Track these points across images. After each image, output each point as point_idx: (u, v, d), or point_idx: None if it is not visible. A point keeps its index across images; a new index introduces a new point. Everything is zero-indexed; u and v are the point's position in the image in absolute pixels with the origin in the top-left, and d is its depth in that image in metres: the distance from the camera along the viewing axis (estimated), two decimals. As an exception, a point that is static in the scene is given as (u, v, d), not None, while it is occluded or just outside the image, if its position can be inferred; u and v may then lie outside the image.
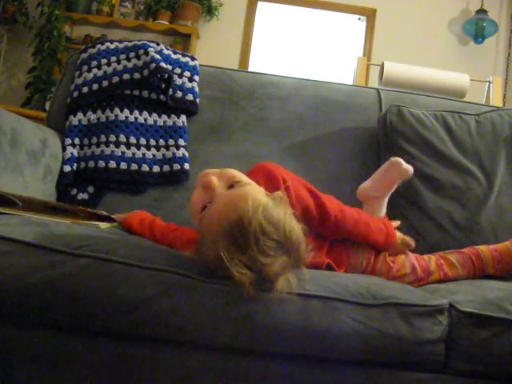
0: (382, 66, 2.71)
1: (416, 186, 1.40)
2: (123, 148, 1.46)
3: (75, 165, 1.47)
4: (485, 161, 1.44)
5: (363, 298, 0.85)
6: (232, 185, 0.87)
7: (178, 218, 1.32)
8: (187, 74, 1.57)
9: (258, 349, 0.84)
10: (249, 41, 4.10)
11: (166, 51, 1.59)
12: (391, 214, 1.44)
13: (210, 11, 3.99)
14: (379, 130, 1.52)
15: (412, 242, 1.14)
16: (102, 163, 1.45)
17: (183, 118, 1.52)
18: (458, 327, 0.87)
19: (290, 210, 0.81)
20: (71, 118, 1.51)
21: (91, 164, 1.46)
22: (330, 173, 1.52)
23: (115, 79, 1.52)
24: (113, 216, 1.20)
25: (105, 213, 1.15)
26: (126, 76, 1.52)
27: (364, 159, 1.54)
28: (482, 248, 1.19)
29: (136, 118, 1.50)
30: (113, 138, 1.46)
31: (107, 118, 1.50)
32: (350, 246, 1.09)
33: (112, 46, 1.60)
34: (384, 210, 1.32)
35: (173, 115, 1.52)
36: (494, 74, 3.94)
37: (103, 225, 1.07)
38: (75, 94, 1.53)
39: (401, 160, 1.25)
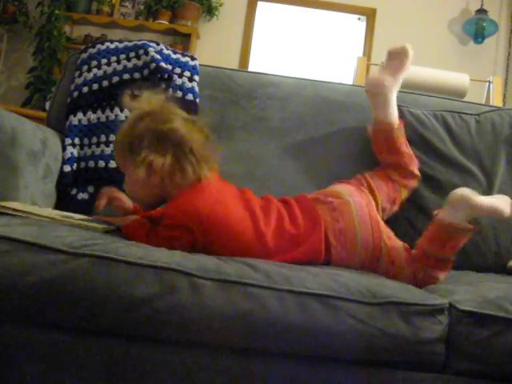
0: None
1: (416, 186, 1.40)
2: (123, 148, 1.46)
3: (75, 165, 1.46)
4: (485, 161, 1.44)
5: (363, 296, 0.85)
6: None
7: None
8: (187, 73, 1.57)
9: (257, 348, 0.84)
10: (249, 41, 4.10)
11: (165, 51, 1.59)
12: (391, 215, 1.44)
13: (210, 11, 3.99)
14: (379, 130, 1.52)
15: None
16: (102, 163, 1.45)
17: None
18: (458, 327, 0.87)
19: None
20: (71, 117, 1.51)
21: (91, 164, 1.46)
22: (329, 173, 1.51)
23: (115, 79, 1.52)
24: (108, 220, 1.18)
25: (103, 218, 1.14)
26: (126, 76, 1.52)
27: (364, 159, 1.54)
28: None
29: (136, 118, 1.50)
30: (113, 137, 1.46)
31: (107, 117, 1.50)
32: None
33: (112, 46, 1.60)
34: (393, 109, 1.30)
35: (173, 115, 1.52)
36: (494, 74, 3.94)
37: (103, 227, 1.07)
38: (75, 93, 1.53)
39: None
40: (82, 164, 1.47)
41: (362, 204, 1.15)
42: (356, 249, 1.10)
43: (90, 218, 1.14)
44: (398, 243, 1.14)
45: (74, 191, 1.45)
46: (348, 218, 1.11)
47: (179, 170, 1.05)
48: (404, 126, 1.39)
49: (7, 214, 0.99)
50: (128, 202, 1.22)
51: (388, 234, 1.15)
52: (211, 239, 1.02)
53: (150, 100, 1.11)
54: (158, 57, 1.53)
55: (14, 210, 1.00)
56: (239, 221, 1.05)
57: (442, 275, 1.08)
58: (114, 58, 1.56)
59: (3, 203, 1.02)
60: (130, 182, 1.12)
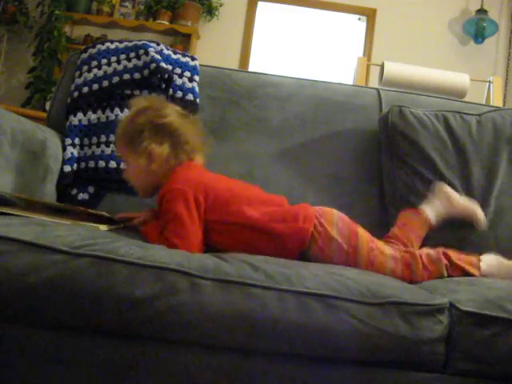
0: (382, 66, 2.71)
1: (416, 186, 1.40)
2: (123, 148, 1.46)
3: (75, 165, 1.47)
4: (486, 161, 1.44)
5: (363, 296, 0.85)
6: None
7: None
8: (187, 73, 1.57)
9: (257, 347, 0.84)
10: (249, 41, 4.10)
11: (166, 51, 1.59)
12: (391, 215, 1.44)
13: (210, 11, 3.99)
14: (380, 130, 1.52)
15: None
16: (102, 163, 1.45)
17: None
18: (459, 327, 0.87)
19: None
20: (71, 117, 1.51)
21: (91, 164, 1.46)
22: (329, 173, 1.52)
23: (115, 79, 1.52)
24: (117, 216, 1.20)
25: (106, 214, 1.15)
26: (127, 76, 1.52)
27: (364, 159, 1.54)
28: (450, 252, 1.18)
29: (136, 118, 1.50)
30: (113, 138, 1.46)
31: (107, 117, 1.50)
32: None
33: (112, 46, 1.60)
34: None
35: (173, 115, 1.52)
36: (494, 74, 3.95)
37: (103, 227, 1.07)
38: (75, 93, 1.53)
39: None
40: (82, 164, 1.47)
41: (344, 216, 1.17)
42: (333, 226, 1.11)
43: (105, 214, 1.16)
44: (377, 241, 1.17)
45: (74, 191, 1.45)
46: (328, 214, 1.15)
47: (174, 157, 1.19)
48: (404, 127, 1.41)
49: (7, 214, 0.99)
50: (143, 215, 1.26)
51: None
52: (209, 203, 1.10)
53: (147, 97, 1.26)
54: (159, 57, 1.53)
55: (19, 197, 1.01)
56: (229, 187, 1.16)
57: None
58: (114, 58, 1.56)
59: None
60: (131, 171, 1.23)
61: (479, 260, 1.17)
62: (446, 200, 1.34)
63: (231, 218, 1.10)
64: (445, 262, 1.13)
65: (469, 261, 1.16)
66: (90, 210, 1.13)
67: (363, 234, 1.14)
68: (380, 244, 1.15)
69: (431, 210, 1.33)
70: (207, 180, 1.16)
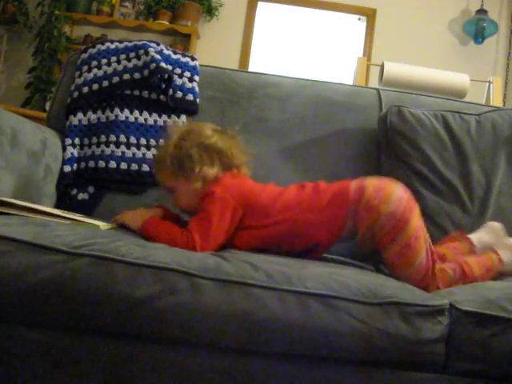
0: (382, 66, 2.71)
1: (416, 186, 1.40)
2: (123, 148, 1.46)
3: (75, 165, 1.46)
4: (485, 161, 1.44)
5: (364, 296, 0.85)
6: None
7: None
8: (187, 74, 1.57)
9: (257, 347, 0.84)
10: (249, 41, 4.10)
11: (166, 51, 1.59)
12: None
13: (210, 11, 3.99)
14: (379, 130, 1.52)
15: None
16: (102, 163, 1.45)
17: (183, 118, 1.52)
18: (459, 327, 0.87)
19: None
20: (71, 117, 1.51)
21: (91, 164, 1.46)
22: (329, 173, 1.52)
23: (115, 79, 1.52)
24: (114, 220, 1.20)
25: (101, 222, 1.14)
26: (126, 76, 1.52)
27: (364, 159, 1.54)
28: (469, 259, 1.18)
29: (136, 118, 1.50)
30: (113, 138, 1.46)
31: (107, 118, 1.50)
32: None
33: (112, 46, 1.60)
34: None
35: (173, 115, 1.52)
36: (494, 74, 3.95)
37: (104, 226, 1.07)
38: (75, 94, 1.53)
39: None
40: (82, 164, 1.47)
41: (407, 191, 1.13)
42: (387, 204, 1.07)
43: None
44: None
45: (74, 191, 1.45)
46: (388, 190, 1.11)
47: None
48: (403, 127, 1.40)
49: (7, 214, 0.99)
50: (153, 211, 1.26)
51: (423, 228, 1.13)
52: (247, 211, 1.13)
53: (183, 122, 1.28)
54: (159, 57, 1.53)
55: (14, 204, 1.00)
56: (270, 195, 1.17)
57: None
58: (114, 58, 1.56)
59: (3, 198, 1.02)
60: (183, 196, 1.21)
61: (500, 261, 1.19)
62: (495, 237, 1.31)
63: (268, 221, 1.12)
64: (462, 279, 1.12)
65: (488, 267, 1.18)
66: (84, 219, 1.10)
67: (414, 225, 1.09)
68: (427, 239, 1.11)
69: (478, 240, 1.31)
70: (250, 189, 1.18)
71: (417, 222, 1.09)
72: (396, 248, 1.07)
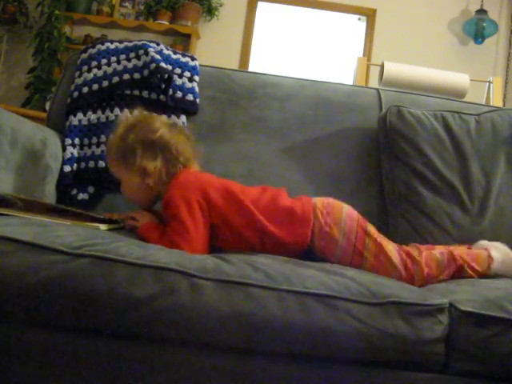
0: (382, 66, 2.71)
1: (416, 186, 1.40)
2: (123, 148, 1.46)
3: (75, 165, 1.47)
4: (485, 161, 1.44)
5: (363, 296, 0.85)
6: None
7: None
8: (187, 74, 1.57)
9: (257, 347, 0.84)
10: (249, 41, 4.10)
11: (166, 51, 1.60)
12: (391, 215, 1.44)
13: (210, 11, 3.99)
14: (379, 131, 1.52)
15: None
16: (102, 163, 1.45)
17: (183, 118, 1.52)
18: (459, 327, 0.87)
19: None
20: (71, 118, 1.51)
21: (91, 164, 1.46)
22: (329, 173, 1.52)
23: (115, 79, 1.52)
24: (114, 217, 1.21)
25: (104, 216, 1.15)
26: (126, 76, 1.52)
27: (364, 159, 1.54)
28: (456, 251, 1.18)
29: (136, 118, 1.50)
30: (113, 138, 1.46)
31: (107, 118, 1.50)
32: None
33: (112, 46, 1.60)
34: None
35: (173, 115, 1.52)
36: (494, 74, 3.95)
37: (103, 226, 1.07)
38: (75, 94, 1.53)
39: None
40: (82, 164, 1.47)
41: (354, 212, 1.17)
42: (340, 223, 1.11)
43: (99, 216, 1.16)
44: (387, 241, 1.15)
45: (74, 191, 1.45)
46: (336, 210, 1.14)
47: (170, 169, 1.19)
48: (403, 127, 1.40)
49: (7, 215, 0.99)
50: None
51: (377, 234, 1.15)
52: (211, 204, 1.12)
53: (134, 114, 1.25)
54: (158, 57, 1.53)
55: (18, 198, 1.01)
56: (226, 187, 1.16)
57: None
58: (114, 59, 1.56)
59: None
60: (127, 187, 1.24)
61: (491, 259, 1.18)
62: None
63: (234, 218, 1.12)
64: (453, 268, 1.13)
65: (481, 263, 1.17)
66: (87, 212, 1.12)
67: (373, 233, 1.13)
68: (388, 248, 1.12)
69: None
70: (206, 181, 1.17)
71: (372, 230, 1.13)
72: (369, 264, 1.09)
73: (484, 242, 1.27)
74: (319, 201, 1.16)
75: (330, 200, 1.17)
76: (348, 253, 1.10)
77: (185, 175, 1.18)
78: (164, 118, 1.28)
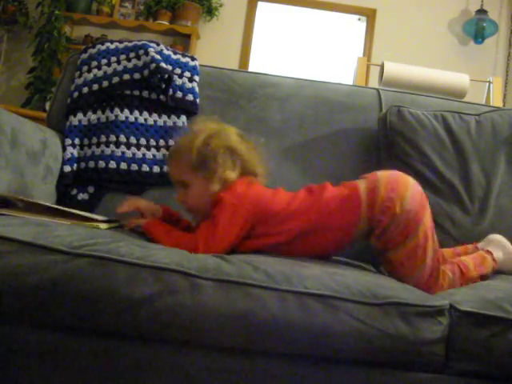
0: (382, 66, 2.71)
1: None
2: (123, 148, 1.46)
3: (75, 165, 1.47)
4: (485, 161, 1.44)
5: (364, 296, 0.85)
6: None
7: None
8: (187, 74, 1.57)
9: (257, 347, 0.84)
10: (249, 41, 4.10)
11: (166, 51, 1.60)
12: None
13: (210, 11, 3.99)
14: (379, 131, 1.52)
15: None
16: (102, 163, 1.45)
17: (183, 118, 1.52)
18: (458, 327, 0.87)
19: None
20: (71, 118, 1.51)
21: (91, 164, 1.46)
22: (329, 173, 1.52)
23: (115, 79, 1.52)
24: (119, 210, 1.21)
25: (103, 218, 1.15)
26: (126, 76, 1.52)
27: (364, 159, 1.54)
28: (463, 257, 1.19)
29: (136, 119, 1.50)
30: (113, 138, 1.47)
31: (107, 118, 1.50)
32: None
33: (112, 47, 1.60)
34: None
35: (173, 115, 1.52)
36: (494, 74, 3.95)
37: (104, 225, 1.07)
38: (75, 94, 1.53)
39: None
40: (82, 164, 1.47)
41: (419, 187, 1.12)
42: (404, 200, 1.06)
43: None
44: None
45: (74, 191, 1.45)
46: (402, 188, 1.09)
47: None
48: (403, 127, 1.40)
49: (7, 215, 0.99)
50: (154, 208, 1.24)
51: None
52: (256, 220, 1.10)
53: (213, 120, 1.22)
54: (158, 57, 1.53)
55: (17, 199, 1.01)
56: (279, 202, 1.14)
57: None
58: (114, 59, 1.56)
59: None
60: (194, 195, 1.16)
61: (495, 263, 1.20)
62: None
63: (282, 228, 1.11)
64: (459, 279, 1.13)
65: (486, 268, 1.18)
66: (85, 214, 1.12)
67: (429, 215, 1.10)
68: (435, 240, 1.10)
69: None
70: (261, 196, 1.14)
71: (428, 221, 1.09)
72: (407, 248, 1.06)
73: (493, 237, 1.29)
74: (384, 176, 1.12)
75: (396, 175, 1.13)
76: (398, 229, 1.06)
77: (245, 184, 1.15)
78: (236, 129, 1.23)
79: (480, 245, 1.30)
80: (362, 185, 1.12)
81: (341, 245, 1.14)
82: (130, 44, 1.59)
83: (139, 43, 1.58)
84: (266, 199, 1.14)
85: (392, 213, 1.05)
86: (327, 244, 1.13)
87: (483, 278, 1.17)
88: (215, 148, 1.14)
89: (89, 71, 1.55)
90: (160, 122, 1.51)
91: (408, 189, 1.08)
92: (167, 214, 1.24)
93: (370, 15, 4.16)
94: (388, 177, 1.11)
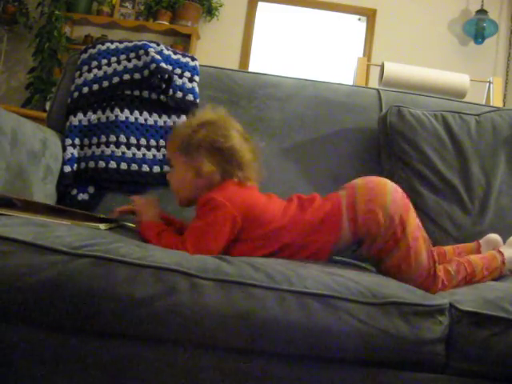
0: (382, 67, 2.71)
1: (416, 186, 1.40)
2: (123, 148, 1.46)
3: (75, 165, 1.47)
4: (485, 161, 1.44)
5: (364, 296, 0.85)
6: None
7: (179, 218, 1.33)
8: (187, 74, 1.57)
9: (257, 347, 0.84)
10: (249, 41, 4.10)
11: (166, 51, 1.60)
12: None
13: (210, 11, 3.99)
14: (379, 131, 1.52)
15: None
16: (102, 163, 1.45)
17: (183, 118, 1.52)
18: (459, 327, 0.87)
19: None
20: (71, 118, 1.51)
21: (91, 164, 1.46)
22: (329, 173, 1.52)
23: (115, 79, 1.52)
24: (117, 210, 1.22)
25: (103, 216, 1.15)
26: (127, 76, 1.52)
27: (364, 159, 1.54)
28: (472, 257, 1.18)
29: (136, 119, 1.50)
30: (113, 138, 1.47)
31: (107, 118, 1.50)
32: None
33: (112, 47, 1.60)
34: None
35: (173, 115, 1.52)
36: (494, 74, 3.94)
37: (103, 226, 1.07)
38: (75, 94, 1.53)
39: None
40: (82, 164, 1.47)
41: (398, 189, 1.12)
42: (385, 207, 1.06)
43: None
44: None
45: (74, 192, 1.45)
46: (380, 195, 1.09)
47: (223, 179, 1.14)
48: (403, 128, 1.40)
49: (7, 215, 0.99)
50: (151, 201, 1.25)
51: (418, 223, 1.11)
52: (245, 225, 1.07)
53: (214, 110, 1.20)
54: (159, 57, 1.53)
55: (17, 199, 1.01)
56: (268, 210, 1.12)
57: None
58: (114, 59, 1.56)
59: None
60: (176, 178, 1.20)
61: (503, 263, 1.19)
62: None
63: (266, 243, 1.08)
64: (463, 279, 1.12)
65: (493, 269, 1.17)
66: (86, 212, 1.12)
67: (414, 215, 1.10)
68: (426, 238, 1.10)
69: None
70: (254, 200, 1.12)
71: (413, 221, 1.09)
72: (401, 251, 1.06)
73: (492, 237, 1.29)
74: (361, 187, 1.11)
75: (373, 183, 1.12)
76: (386, 238, 1.06)
77: (236, 186, 1.12)
78: (240, 126, 1.21)
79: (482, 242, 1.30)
80: (343, 199, 1.11)
81: (318, 260, 1.11)
82: (130, 44, 1.59)
83: (139, 43, 1.58)
84: (259, 206, 1.11)
85: (376, 223, 1.06)
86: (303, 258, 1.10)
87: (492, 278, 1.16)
88: (202, 137, 1.13)
89: (89, 71, 1.55)
90: (160, 122, 1.51)
91: (387, 194, 1.08)
92: (163, 218, 1.24)
93: (370, 15, 4.16)
94: (365, 187, 1.11)
